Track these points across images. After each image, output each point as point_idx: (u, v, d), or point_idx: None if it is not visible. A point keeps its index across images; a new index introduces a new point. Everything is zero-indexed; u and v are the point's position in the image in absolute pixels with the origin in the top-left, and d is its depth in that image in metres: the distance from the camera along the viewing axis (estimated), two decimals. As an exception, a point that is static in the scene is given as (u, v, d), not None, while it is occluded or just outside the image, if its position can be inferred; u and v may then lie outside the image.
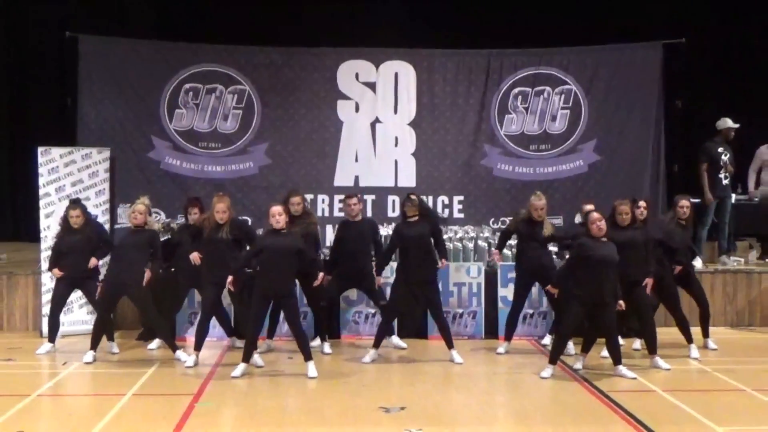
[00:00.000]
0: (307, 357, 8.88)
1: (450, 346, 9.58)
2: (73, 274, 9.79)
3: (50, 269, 9.97)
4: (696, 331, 10.02)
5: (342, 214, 11.49)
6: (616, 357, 8.88)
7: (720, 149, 12.39)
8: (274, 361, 9.63)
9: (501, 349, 10.10)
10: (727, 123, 12.47)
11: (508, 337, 10.18)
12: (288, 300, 8.91)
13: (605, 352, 9.30)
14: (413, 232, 9.46)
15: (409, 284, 9.51)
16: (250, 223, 11.95)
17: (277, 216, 8.77)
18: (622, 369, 8.81)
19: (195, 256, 9.58)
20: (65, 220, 9.91)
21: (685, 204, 9.97)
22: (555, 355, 8.94)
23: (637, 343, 10.10)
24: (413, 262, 9.42)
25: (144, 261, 9.60)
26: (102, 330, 9.69)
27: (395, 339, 10.41)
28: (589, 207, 9.63)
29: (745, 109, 13.84)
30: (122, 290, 9.66)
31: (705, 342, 10.16)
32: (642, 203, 9.91)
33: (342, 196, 12.42)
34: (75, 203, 10.13)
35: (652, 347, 9.28)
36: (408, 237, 9.46)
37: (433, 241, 9.62)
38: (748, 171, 13.02)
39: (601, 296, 8.57)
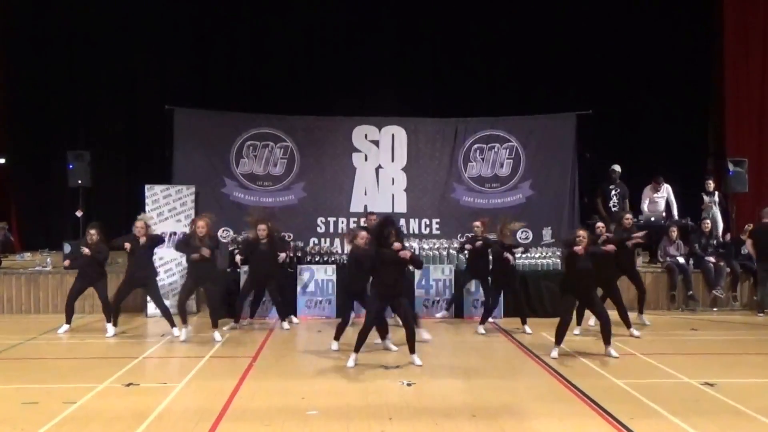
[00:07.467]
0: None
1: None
2: None
3: None
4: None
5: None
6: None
7: (610, 187, 12.44)
8: (305, 333, 9.56)
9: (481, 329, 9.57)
10: (612, 167, 12.64)
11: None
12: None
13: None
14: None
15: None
16: (291, 237, 12.02)
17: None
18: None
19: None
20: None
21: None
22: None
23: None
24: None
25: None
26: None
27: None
28: (477, 223, 10.14)
29: (636, 158, 13.84)
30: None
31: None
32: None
33: (355, 218, 12.58)
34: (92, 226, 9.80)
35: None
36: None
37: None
38: (641, 204, 12.89)
39: None
